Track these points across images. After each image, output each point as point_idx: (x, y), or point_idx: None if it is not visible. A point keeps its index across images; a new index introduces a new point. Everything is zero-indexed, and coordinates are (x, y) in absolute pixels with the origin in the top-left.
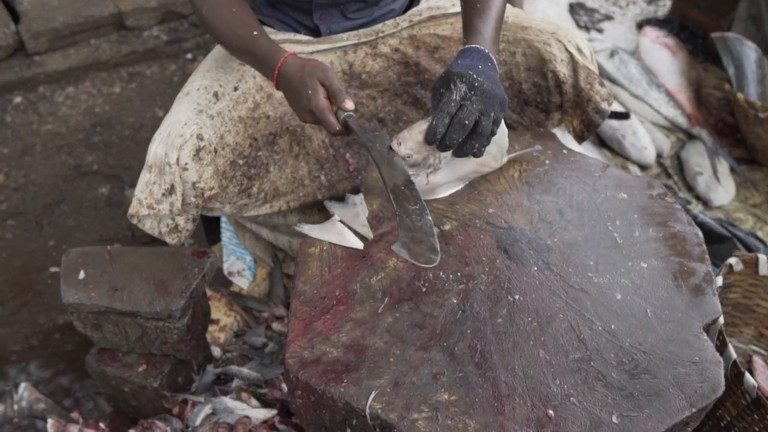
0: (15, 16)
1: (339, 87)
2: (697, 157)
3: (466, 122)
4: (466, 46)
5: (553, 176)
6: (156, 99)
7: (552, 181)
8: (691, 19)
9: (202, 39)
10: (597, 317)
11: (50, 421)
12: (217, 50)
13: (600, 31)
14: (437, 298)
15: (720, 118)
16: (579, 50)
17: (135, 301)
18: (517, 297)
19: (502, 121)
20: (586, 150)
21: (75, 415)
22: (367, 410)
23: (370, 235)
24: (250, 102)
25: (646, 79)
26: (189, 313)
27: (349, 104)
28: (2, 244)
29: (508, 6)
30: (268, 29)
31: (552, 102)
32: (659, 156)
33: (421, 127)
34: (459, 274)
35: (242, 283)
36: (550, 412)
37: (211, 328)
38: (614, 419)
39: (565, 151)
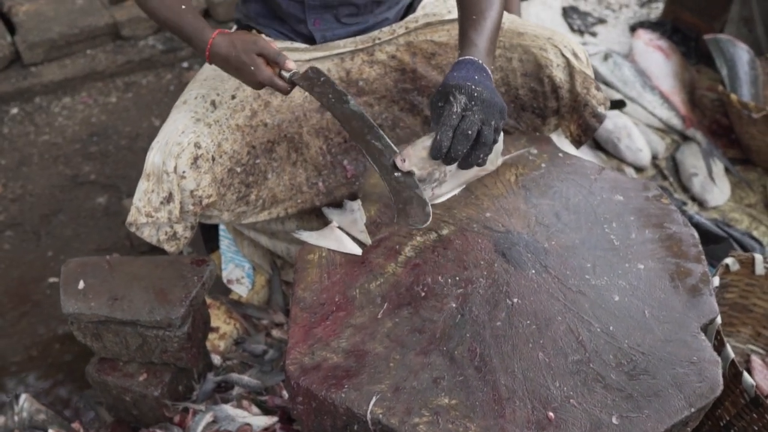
0: (11, 27)
1: (276, 51)
2: (692, 159)
3: (470, 132)
4: (460, 58)
5: (550, 180)
6: (152, 108)
7: (548, 185)
8: (684, 21)
9: None
10: (595, 319)
11: None
12: None
13: (593, 34)
14: (436, 302)
15: (714, 120)
16: (575, 55)
17: (135, 310)
18: (515, 300)
19: None
20: (582, 153)
21: (76, 425)
22: (369, 415)
23: (368, 240)
24: (247, 110)
25: (640, 82)
26: (189, 322)
27: (290, 64)
28: (0, 255)
29: (505, 12)
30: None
31: (548, 107)
32: (654, 158)
33: (424, 143)
34: (457, 278)
35: (241, 290)
36: (551, 414)
37: (211, 336)
38: (614, 420)
39: (560, 154)
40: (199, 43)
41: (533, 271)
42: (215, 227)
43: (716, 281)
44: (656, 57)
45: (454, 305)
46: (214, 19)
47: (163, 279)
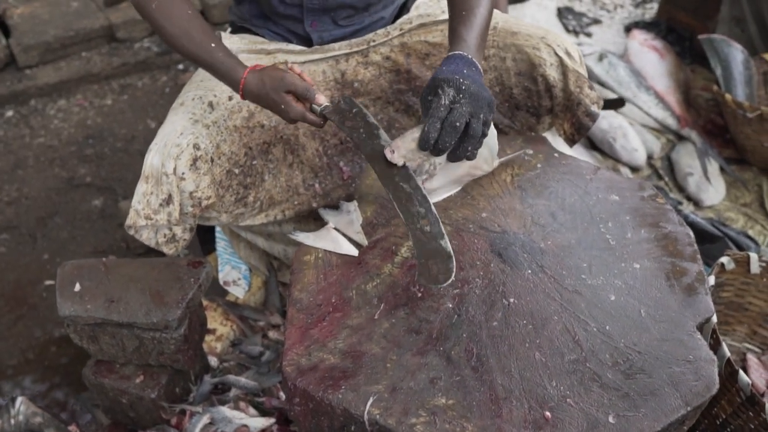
0: (5, 30)
1: (305, 87)
2: (687, 158)
3: (458, 124)
4: (450, 53)
5: (545, 180)
6: (148, 110)
7: (544, 185)
8: (678, 21)
9: None
10: (591, 318)
11: None
12: None
13: (588, 35)
14: (433, 303)
15: (709, 119)
16: (568, 54)
17: (131, 312)
18: (511, 300)
19: (492, 124)
20: (577, 153)
21: (73, 428)
22: (366, 416)
23: (364, 241)
24: (244, 111)
25: (635, 82)
26: (185, 324)
27: (321, 99)
28: None
29: (498, 12)
30: (259, 39)
31: (542, 106)
32: (650, 157)
33: (413, 135)
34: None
35: (238, 292)
36: (547, 413)
37: (208, 337)
38: (611, 419)
39: (556, 154)
40: (231, 82)
41: (529, 271)
42: (211, 229)
43: (712, 280)
44: (651, 57)
45: (450, 305)
46: (209, 21)
47: (159, 281)
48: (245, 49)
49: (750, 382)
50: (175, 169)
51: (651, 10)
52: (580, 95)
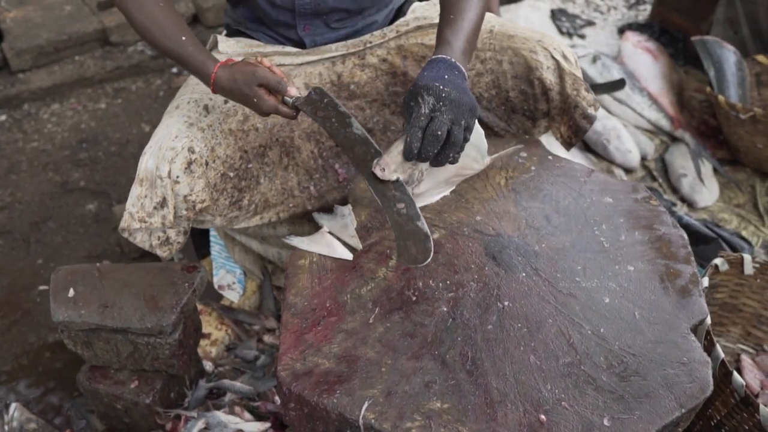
0: None
1: (276, 80)
2: (680, 160)
3: (439, 133)
4: (433, 57)
5: (539, 182)
6: (142, 114)
7: (538, 188)
8: (672, 23)
9: None
10: (586, 321)
11: None
12: None
13: (582, 36)
14: (427, 306)
15: (702, 121)
16: (564, 57)
17: (126, 317)
18: (506, 303)
19: (477, 123)
20: (571, 155)
21: None
22: (361, 421)
23: (359, 245)
24: (239, 114)
25: (628, 84)
26: (180, 328)
27: (292, 91)
28: None
29: (494, 16)
30: (254, 42)
31: (539, 109)
32: (643, 159)
33: (398, 148)
34: (448, 282)
35: (232, 296)
36: (542, 416)
37: (203, 342)
38: (605, 422)
39: (550, 157)
40: (203, 77)
41: (524, 274)
42: (206, 233)
43: (706, 282)
44: (644, 59)
45: (445, 309)
46: (203, 24)
47: (153, 286)
48: (241, 52)
49: (744, 383)
50: (169, 173)
51: (644, 12)
52: (577, 98)
